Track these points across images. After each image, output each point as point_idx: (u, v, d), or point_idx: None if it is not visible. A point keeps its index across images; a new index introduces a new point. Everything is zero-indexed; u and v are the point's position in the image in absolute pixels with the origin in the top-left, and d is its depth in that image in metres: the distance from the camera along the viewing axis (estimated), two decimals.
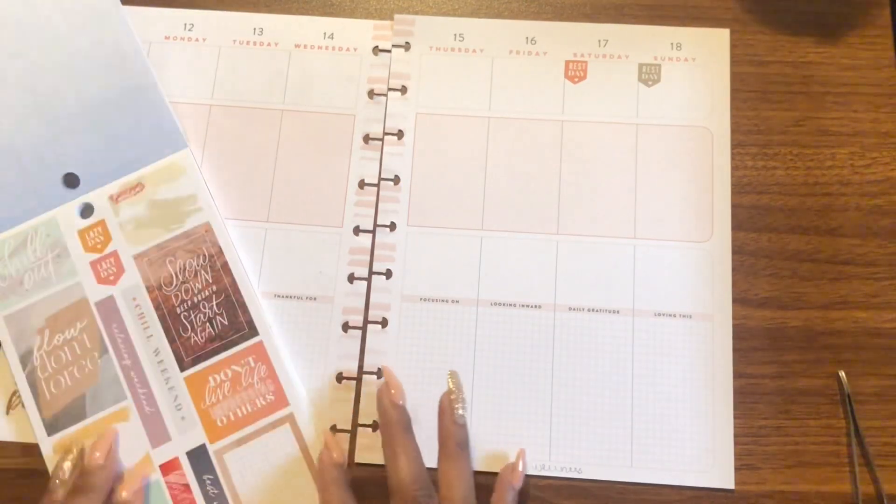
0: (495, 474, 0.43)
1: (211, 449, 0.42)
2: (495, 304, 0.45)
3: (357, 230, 0.47)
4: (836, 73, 0.49)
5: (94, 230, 0.45)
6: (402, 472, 0.39)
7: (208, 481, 0.42)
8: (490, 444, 0.43)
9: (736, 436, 0.43)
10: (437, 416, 0.41)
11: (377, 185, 0.47)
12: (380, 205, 0.47)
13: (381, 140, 0.48)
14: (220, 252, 0.45)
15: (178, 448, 0.42)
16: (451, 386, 0.41)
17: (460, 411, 0.40)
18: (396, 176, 0.48)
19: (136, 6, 0.50)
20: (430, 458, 0.43)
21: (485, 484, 0.43)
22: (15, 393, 0.44)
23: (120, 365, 0.43)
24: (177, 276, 0.44)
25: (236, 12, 0.50)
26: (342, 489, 0.40)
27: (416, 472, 0.39)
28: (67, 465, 0.41)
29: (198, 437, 0.42)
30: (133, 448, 0.42)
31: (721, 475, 0.43)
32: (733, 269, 0.46)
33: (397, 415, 0.41)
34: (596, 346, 0.45)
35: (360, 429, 0.44)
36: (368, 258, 0.46)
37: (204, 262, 0.45)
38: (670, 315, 0.45)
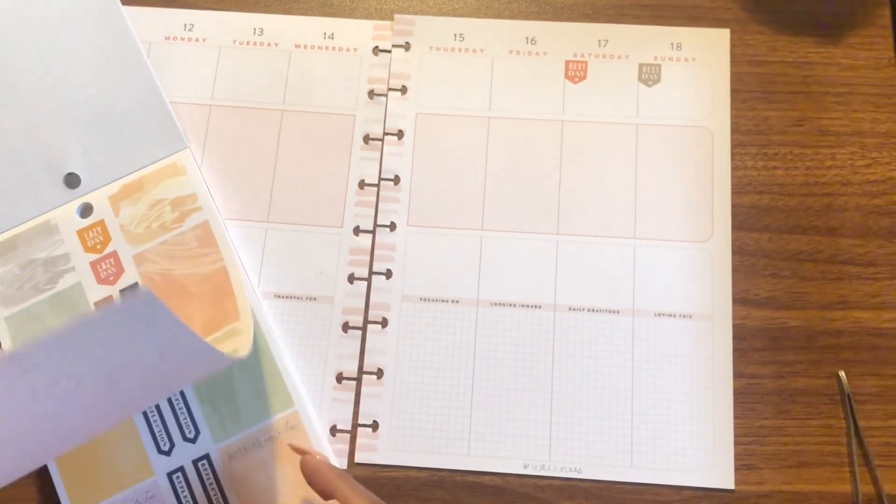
0: (497, 475, 0.43)
1: (215, 455, 0.42)
2: (495, 304, 0.45)
3: (357, 230, 0.47)
4: (836, 73, 0.49)
5: (94, 230, 0.45)
6: None
7: (211, 489, 0.42)
8: (490, 445, 0.43)
9: (736, 436, 0.43)
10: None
11: (377, 185, 0.47)
12: (380, 205, 0.47)
13: (381, 140, 0.48)
14: (219, 252, 0.45)
15: (184, 457, 0.42)
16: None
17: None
18: (396, 176, 0.48)
19: (136, 6, 0.50)
20: (425, 460, 0.43)
21: (488, 484, 0.43)
22: None
23: None
24: (177, 277, 0.44)
25: (236, 12, 0.50)
26: (350, 481, 0.37)
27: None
28: None
29: (204, 445, 0.42)
30: (136, 454, 0.42)
31: (721, 475, 0.43)
32: (733, 269, 0.46)
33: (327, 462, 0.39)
34: (596, 346, 0.45)
35: (360, 429, 0.44)
36: (368, 258, 0.46)
37: (204, 262, 0.45)
38: (670, 315, 0.45)
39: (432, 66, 0.49)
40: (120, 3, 0.48)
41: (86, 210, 0.46)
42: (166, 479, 0.42)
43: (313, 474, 0.38)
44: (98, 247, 0.45)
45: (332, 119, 0.49)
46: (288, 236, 0.47)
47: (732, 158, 0.47)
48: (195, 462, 0.42)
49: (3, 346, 0.44)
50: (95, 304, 0.44)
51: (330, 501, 0.36)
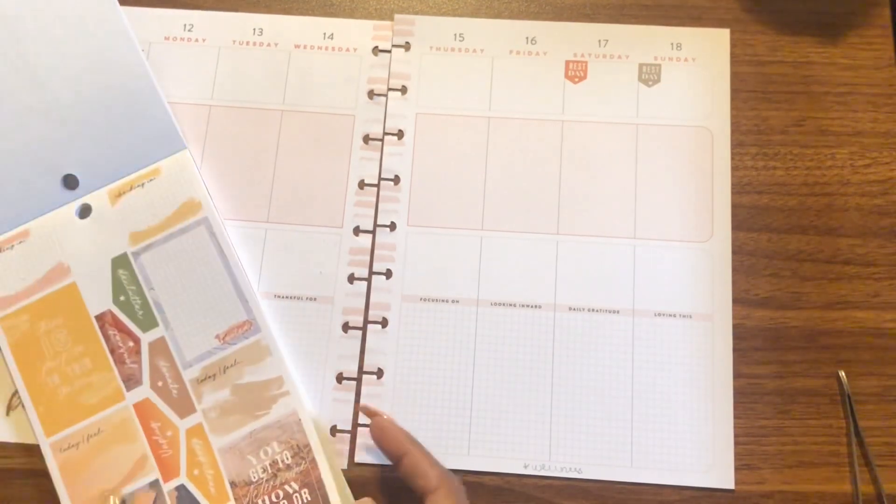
0: (496, 474, 0.43)
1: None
2: (495, 304, 0.45)
3: (357, 230, 0.47)
4: (836, 73, 0.49)
5: None
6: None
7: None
8: (490, 445, 0.43)
9: (736, 436, 0.43)
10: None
11: (377, 185, 0.47)
12: (380, 205, 0.47)
13: (381, 140, 0.48)
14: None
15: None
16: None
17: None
18: (396, 176, 0.48)
19: (136, 6, 0.50)
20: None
21: (488, 484, 0.43)
22: (15, 393, 0.44)
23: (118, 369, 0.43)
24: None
25: (236, 12, 0.50)
26: (419, 444, 0.39)
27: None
28: None
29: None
30: (135, 454, 0.42)
31: (721, 475, 0.43)
32: (733, 269, 0.46)
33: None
34: (596, 347, 0.45)
35: (359, 429, 0.44)
36: (368, 258, 0.46)
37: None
38: (670, 315, 0.45)
39: (432, 66, 0.49)
40: (118, 4, 0.48)
41: (84, 211, 0.46)
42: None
43: (383, 434, 0.40)
44: None
45: (332, 119, 0.49)
46: (288, 236, 0.47)
47: (732, 158, 0.47)
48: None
49: (1, 346, 0.44)
50: (95, 318, 0.44)
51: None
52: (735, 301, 0.45)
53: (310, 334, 0.45)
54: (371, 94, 0.49)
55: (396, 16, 0.50)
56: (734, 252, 0.46)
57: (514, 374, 0.44)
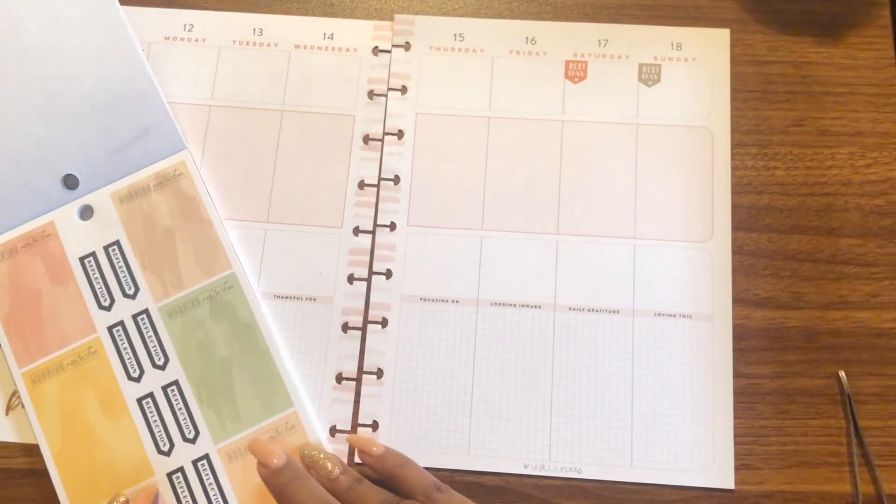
0: (497, 475, 0.43)
1: (214, 455, 0.42)
2: (495, 304, 0.45)
3: (357, 230, 0.47)
4: (836, 73, 0.49)
5: None
6: None
7: (210, 490, 0.42)
8: (490, 445, 0.43)
9: (736, 436, 0.43)
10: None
11: (377, 186, 0.47)
12: (380, 205, 0.47)
13: (381, 140, 0.48)
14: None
15: (183, 458, 0.42)
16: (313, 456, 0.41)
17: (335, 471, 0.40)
18: (396, 176, 0.48)
19: (136, 6, 0.50)
20: (425, 460, 0.43)
21: (488, 484, 0.43)
22: (15, 393, 0.44)
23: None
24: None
25: (236, 12, 0.50)
26: (300, 482, 0.39)
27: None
28: None
29: (204, 445, 0.42)
30: (135, 455, 0.42)
31: (721, 475, 0.43)
32: (733, 269, 0.46)
33: (288, 475, 0.39)
34: (596, 346, 0.45)
35: (360, 429, 0.44)
36: (368, 258, 0.46)
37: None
38: (670, 315, 0.45)
39: (432, 66, 0.49)
40: (118, 4, 0.48)
41: (85, 212, 0.46)
42: (166, 480, 0.42)
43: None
44: None
45: (332, 119, 0.49)
46: (288, 236, 0.47)
47: (732, 158, 0.47)
48: (195, 462, 0.42)
49: (1, 345, 0.44)
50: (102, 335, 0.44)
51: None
52: (735, 301, 0.45)
53: (310, 334, 0.45)
54: (371, 94, 0.49)
55: (396, 16, 0.50)
56: (734, 252, 0.46)
57: (514, 374, 0.44)
